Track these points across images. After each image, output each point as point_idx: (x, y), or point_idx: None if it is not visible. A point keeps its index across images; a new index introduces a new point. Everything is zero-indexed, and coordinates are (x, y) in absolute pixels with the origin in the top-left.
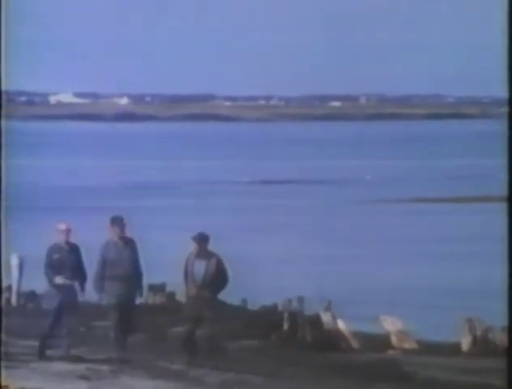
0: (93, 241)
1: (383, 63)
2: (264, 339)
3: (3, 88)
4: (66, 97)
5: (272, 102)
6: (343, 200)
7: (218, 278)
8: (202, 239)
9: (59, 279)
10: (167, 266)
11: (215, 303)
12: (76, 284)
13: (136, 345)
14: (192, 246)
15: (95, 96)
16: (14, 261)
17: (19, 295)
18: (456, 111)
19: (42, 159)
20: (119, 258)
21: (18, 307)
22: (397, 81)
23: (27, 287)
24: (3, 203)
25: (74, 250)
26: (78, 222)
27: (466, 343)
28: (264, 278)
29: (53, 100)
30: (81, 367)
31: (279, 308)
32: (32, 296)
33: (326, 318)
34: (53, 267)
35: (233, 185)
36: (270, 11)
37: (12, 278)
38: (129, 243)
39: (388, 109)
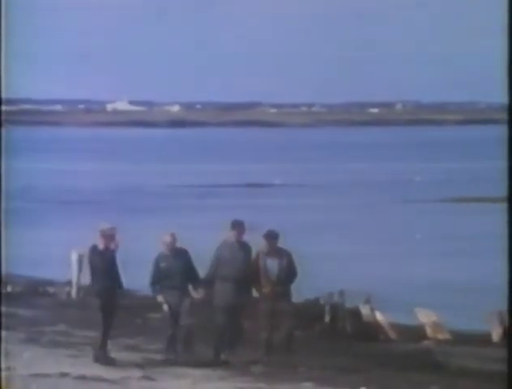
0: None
1: (418, 72)
2: (307, 331)
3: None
4: (122, 105)
5: (314, 109)
6: (387, 200)
7: (290, 273)
8: (272, 237)
9: (160, 299)
10: None
11: (290, 297)
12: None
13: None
14: (263, 244)
15: (148, 104)
16: (73, 257)
17: (78, 289)
18: (488, 117)
19: (100, 162)
20: (233, 260)
21: (77, 300)
22: (431, 88)
23: (85, 281)
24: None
25: (180, 254)
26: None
27: (496, 334)
28: (308, 274)
29: (109, 107)
30: (137, 356)
31: (321, 301)
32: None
33: (365, 310)
34: (161, 276)
35: (283, 187)
36: (315, 24)
37: (72, 273)
38: (244, 247)
39: (423, 115)
